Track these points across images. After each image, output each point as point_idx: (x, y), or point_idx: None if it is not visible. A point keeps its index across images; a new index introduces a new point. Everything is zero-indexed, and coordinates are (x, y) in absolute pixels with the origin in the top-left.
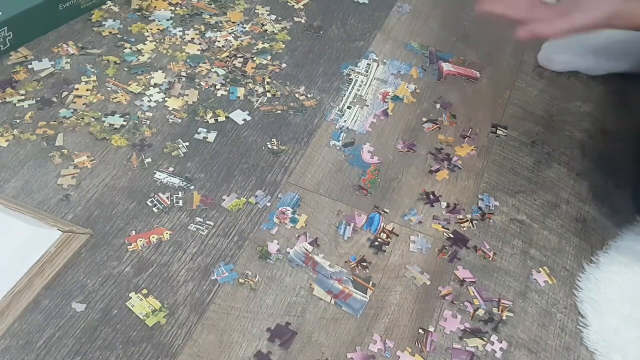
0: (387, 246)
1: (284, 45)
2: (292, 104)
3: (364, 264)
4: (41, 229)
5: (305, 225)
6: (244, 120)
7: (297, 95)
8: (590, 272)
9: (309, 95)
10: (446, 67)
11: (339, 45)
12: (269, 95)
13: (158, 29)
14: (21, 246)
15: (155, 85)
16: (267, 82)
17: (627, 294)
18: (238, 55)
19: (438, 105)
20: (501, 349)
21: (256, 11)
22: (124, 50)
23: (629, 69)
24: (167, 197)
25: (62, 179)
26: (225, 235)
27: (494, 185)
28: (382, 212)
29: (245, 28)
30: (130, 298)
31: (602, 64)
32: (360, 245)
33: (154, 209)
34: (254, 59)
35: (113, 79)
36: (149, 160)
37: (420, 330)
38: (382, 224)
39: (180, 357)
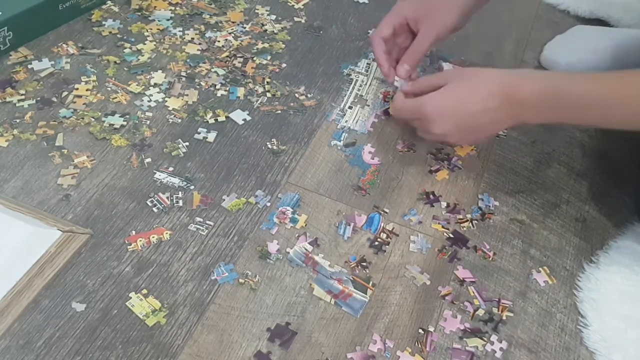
0: (387, 246)
1: (284, 45)
2: (292, 104)
3: (364, 264)
4: (41, 229)
5: (305, 225)
6: (244, 120)
7: (297, 95)
8: (590, 272)
9: (309, 95)
10: (446, 66)
11: (339, 45)
12: (269, 95)
13: (158, 29)
14: (21, 246)
15: (155, 85)
16: (267, 82)
17: (627, 294)
18: (238, 55)
19: None
20: (501, 349)
21: (256, 11)
22: (124, 50)
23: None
24: (167, 197)
25: (62, 179)
26: (225, 235)
27: (494, 185)
28: (382, 212)
29: (245, 28)
30: (130, 298)
31: (605, 65)
32: (360, 245)
33: (154, 209)
34: (254, 59)
35: (113, 79)
36: (149, 160)
37: (420, 330)
38: (382, 224)
39: (180, 357)
